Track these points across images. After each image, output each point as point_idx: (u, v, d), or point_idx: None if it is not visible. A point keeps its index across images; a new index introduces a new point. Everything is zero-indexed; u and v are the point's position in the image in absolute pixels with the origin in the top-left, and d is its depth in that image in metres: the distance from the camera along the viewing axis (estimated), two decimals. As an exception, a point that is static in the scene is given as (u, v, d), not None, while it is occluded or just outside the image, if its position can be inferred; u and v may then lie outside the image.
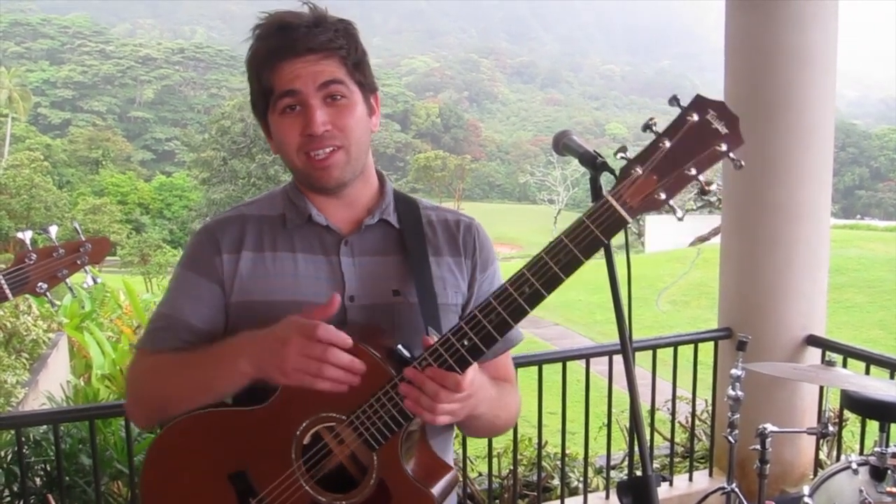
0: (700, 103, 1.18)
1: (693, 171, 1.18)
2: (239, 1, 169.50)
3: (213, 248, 1.50)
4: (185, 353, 1.46)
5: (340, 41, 1.44)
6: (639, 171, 1.19)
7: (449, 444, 1.61)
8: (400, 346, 1.35)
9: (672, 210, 1.22)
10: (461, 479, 3.53)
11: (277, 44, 1.41)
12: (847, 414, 3.95)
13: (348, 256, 1.50)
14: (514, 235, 57.63)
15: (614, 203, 1.20)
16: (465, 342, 1.29)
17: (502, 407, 1.51)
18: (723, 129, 1.17)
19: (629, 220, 1.21)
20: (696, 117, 1.17)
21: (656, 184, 1.19)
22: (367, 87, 1.49)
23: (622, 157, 1.20)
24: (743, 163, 1.20)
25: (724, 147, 1.17)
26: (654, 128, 1.18)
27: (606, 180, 1.32)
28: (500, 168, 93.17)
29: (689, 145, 1.17)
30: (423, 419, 1.33)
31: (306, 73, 1.40)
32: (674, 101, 1.19)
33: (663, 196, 1.19)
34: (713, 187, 1.19)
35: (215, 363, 1.40)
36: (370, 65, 1.52)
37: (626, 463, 4.51)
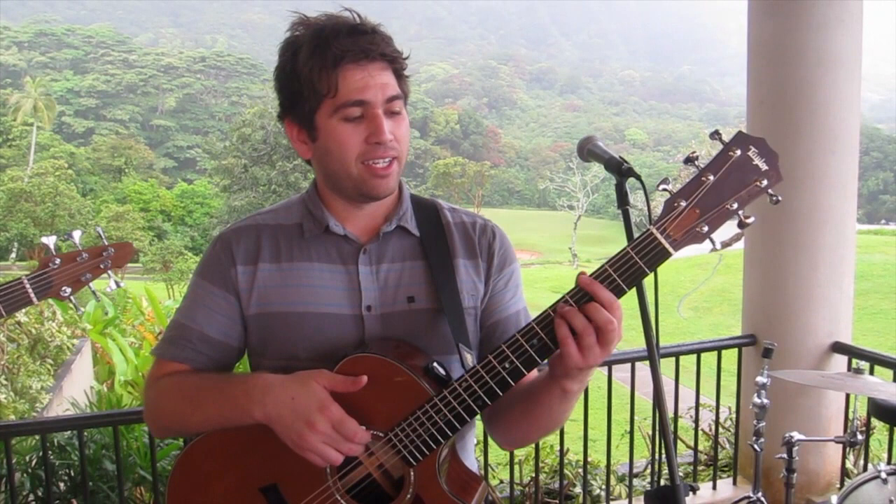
0: (742, 139, 1.20)
1: (734, 206, 1.20)
2: (260, 10, 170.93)
3: (228, 259, 1.50)
4: (200, 385, 1.47)
5: (399, 53, 1.46)
6: (683, 204, 1.21)
7: (470, 451, 1.61)
8: (435, 364, 1.37)
9: (712, 242, 1.24)
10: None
11: (352, 46, 1.39)
12: (874, 422, 3.89)
13: (366, 265, 1.50)
14: (533, 242, 57.56)
15: (658, 236, 1.22)
16: (507, 364, 1.29)
17: (574, 404, 1.46)
18: (763, 166, 1.20)
19: (673, 252, 1.22)
20: (738, 153, 1.20)
21: (699, 217, 1.21)
22: (407, 100, 1.51)
23: (664, 190, 1.22)
24: (780, 198, 1.21)
25: (764, 183, 1.20)
26: (696, 162, 1.21)
27: (631, 185, 1.33)
28: (519, 174, 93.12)
29: (732, 180, 1.20)
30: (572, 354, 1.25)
31: (375, 84, 1.40)
32: (715, 135, 1.21)
33: (706, 229, 1.21)
34: (751, 220, 1.20)
35: (230, 403, 1.40)
36: None
37: (648, 471, 4.47)
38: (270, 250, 1.50)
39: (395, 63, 1.44)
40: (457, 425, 1.33)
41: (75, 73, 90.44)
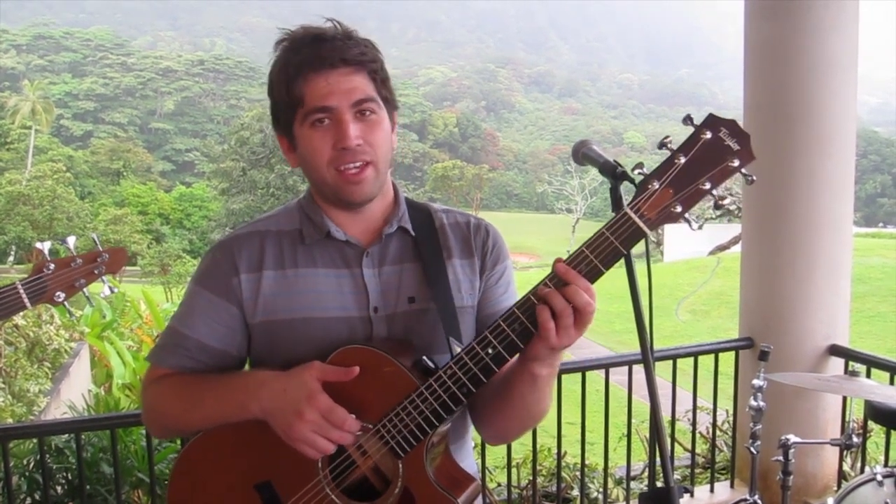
0: (713, 121, 1.23)
1: (707, 186, 1.23)
2: (258, 13, 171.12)
3: (230, 268, 1.50)
4: (198, 385, 1.48)
5: (371, 55, 1.45)
6: (655, 185, 1.24)
7: (466, 455, 1.62)
8: (424, 358, 1.39)
9: (688, 222, 1.26)
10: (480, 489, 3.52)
11: (311, 54, 1.41)
12: (871, 425, 3.90)
13: (370, 268, 1.51)
14: (531, 245, 57.53)
15: (633, 215, 1.24)
16: (490, 350, 1.31)
17: (547, 393, 1.48)
18: (735, 146, 1.22)
19: (647, 231, 1.25)
20: (709, 135, 1.22)
21: (672, 197, 1.23)
22: (391, 103, 1.50)
23: (640, 173, 1.25)
24: (755, 178, 1.24)
25: (736, 162, 1.22)
26: (669, 144, 1.24)
27: (626, 189, 1.34)
28: (517, 177, 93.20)
29: (703, 161, 1.22)
30: (551, 331, 1.28)
31: (340, 90, 1.41)
32: (688, 119, 1.24)
33: (679, 209, 1.24)
34: (727, 201, 1.23)
35: (229, 400, 1.42)
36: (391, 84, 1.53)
37: (646, 474, 4.47)
38: (274, 257, 1.50)
39: (366, 66, 1.44)
40: (442, 414, 1.34)
41: (73, 77, 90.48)
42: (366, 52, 1.44)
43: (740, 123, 1.24)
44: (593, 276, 1.28)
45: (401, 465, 1.37)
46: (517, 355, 1.34)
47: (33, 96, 64.27)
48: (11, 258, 41.52)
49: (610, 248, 1.26)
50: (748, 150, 1.22)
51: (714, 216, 1.27)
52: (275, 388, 1.36)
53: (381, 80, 1.47)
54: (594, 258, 1.26)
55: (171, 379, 1.50)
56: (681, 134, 1.26)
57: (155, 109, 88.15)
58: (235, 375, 1.48)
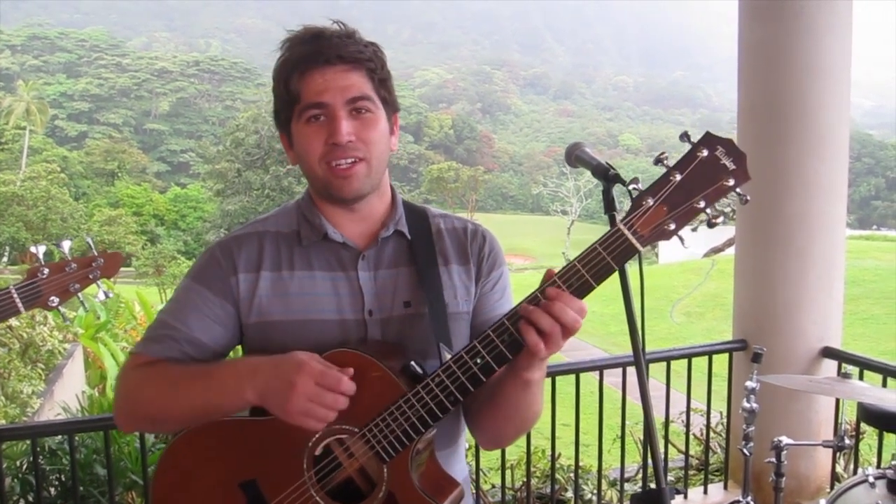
0: (709, 140, 1.23)
1: (702, 204, 1.23)
2: (254, 14, 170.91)
3: (229, 267, 1.50)
4: (185, 371, 1.45)
5: (369, 54, 1.46)
6: (650, 202, 1.24)
7: (458, 459, 1.62)
8: (412, 363, 1.38)
9: (681, 239, 1.26)
10: (474, 491, 3.52)
11: (308, 51, 1.42)
12: (864, 427, 3.91)
13: (366, 271, 1.51)
14: (527, 246, 57.61)
15: (626, 232, 1.24)
16: (478, 360, 1.31)
17: (539, 396, 1.48)
18: (731, 165, 1.22)
19: (640, 248, 1.25)
20: (705, 153, 1.22)
21: (666, 215, 1.23)
22: (391, 105, 1.50)
23: (634, 189, 1.25)
24: (749, 198, 1.23)
25: (731, 182, 1.22)
26: (665, 161, 1.24)
27: (619, 191, 1.35)
28: (512, 179, 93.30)
29: (699, 179, 1.22)
30: (540, 342, 1.28)
31: (335, 87, 1.41)
32: (684, 137, 1.24)
33: (672, 227, 1.24)
34: (720, 220, 1.23)
35: (220, 387, 1.40)
36: (394, 86, 1.53)
37: (640, 476, 4.47)
38: (272, 258, 1.51)
39: (364, 65, 1.45)
40: (429, 421, 1.34)
41: (68, 77, 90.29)
42: (364, 51, 1.45)
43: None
44: (584, 291, 1.28)
45: (386, 470, 1.37)
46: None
47: (28, 97, 64.13)
48: (5, 259, 41.38)
49: (602, 263, 1.26)
50: (744, 170, 1.22)
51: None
52: (267, 370, 1.35)
53: (379, 79, 1.47)
54: (586, 273, 1.27)
55: (157, 366, 1.47)
56: (676, 137, 1.26)
57: (150, 110, 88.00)
58: (225, 363, 1.48)
